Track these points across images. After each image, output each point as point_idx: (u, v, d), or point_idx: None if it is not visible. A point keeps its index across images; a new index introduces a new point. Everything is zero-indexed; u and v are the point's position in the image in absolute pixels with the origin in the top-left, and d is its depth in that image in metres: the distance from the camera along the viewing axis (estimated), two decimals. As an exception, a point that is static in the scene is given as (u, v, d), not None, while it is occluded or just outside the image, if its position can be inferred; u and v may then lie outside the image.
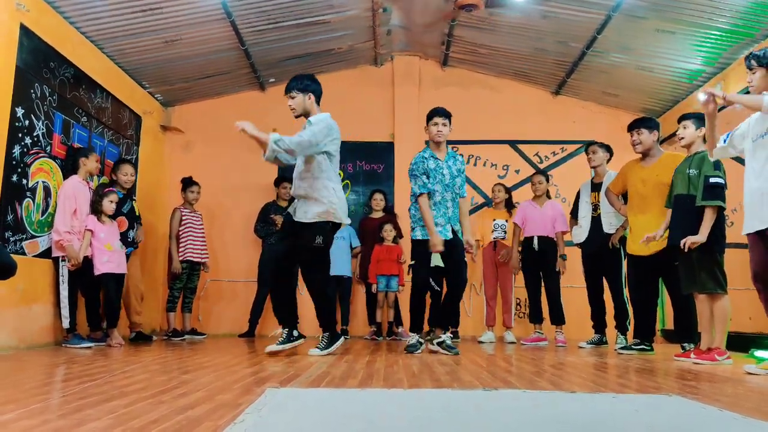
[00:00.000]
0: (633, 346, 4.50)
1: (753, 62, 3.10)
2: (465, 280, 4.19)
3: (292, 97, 3.87)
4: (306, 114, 3.92)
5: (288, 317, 3.89)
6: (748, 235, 3.17)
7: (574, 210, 5.30)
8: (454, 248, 4.13)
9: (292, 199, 6.29)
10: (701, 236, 3.62)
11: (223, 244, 6.58)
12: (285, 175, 6.54)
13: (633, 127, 4.58)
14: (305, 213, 3.78)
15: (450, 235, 4.13)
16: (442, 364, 3.32)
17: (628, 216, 4.58)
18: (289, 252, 3.89)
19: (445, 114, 4.21)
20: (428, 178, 4.12)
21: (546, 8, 5.20)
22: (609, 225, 4.88)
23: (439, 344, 4.05)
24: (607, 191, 4.86)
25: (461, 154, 4.43)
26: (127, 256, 5.11)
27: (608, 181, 4.93)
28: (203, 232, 5.95)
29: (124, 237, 5.07)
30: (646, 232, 4.26)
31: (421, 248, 4.13)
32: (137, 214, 5.35)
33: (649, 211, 4.35)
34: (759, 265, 3.11)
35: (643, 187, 4.41)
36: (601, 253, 4.92)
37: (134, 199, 5.39)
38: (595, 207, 5.03)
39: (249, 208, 6.39)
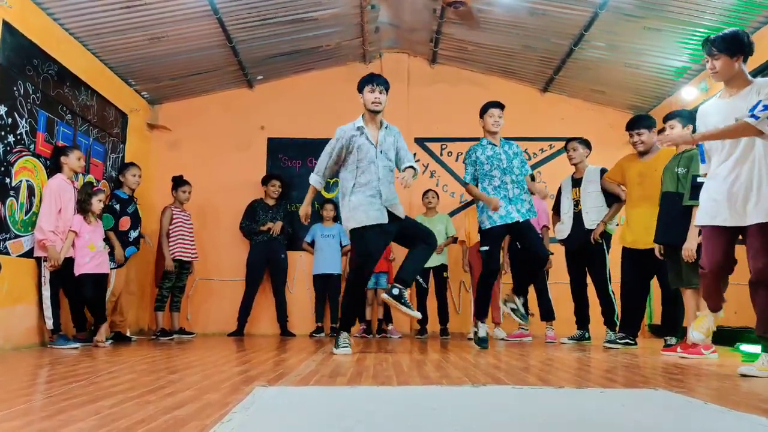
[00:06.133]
0: (618, 340, 4.53)
1: (714, 49, 2.90)
2: (545, 254, 4.50)
3: (381, 93, 3.95)
4: (378, 112, 3.99)
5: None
6: (705, 227, 3.03)
7: (556, 206, 5.33)
8: (525, 230, 4.34)
9: (279, 198, 6.32)
10: (691, 242, 3.61)
11: (211, 243, 6.53)
12: (273, 173, 6.54)
13: (632, 127, 4.54)
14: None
15: (516, 217, 4.30)
16: (431, 361, 3.32)
17: (626, 209, 4.60)
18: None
19: (502, 106, 4.52)
20: (476, 168, 4.45)
21: (533, 5, 5.21)
22: (590, 221, 4.88)
23: (513, 311, 4.38)
24: (603, 180, 4.87)
25: (515, 143, 4.70)
26: (126, 258, 5.09)
27: (589, 176, 4.96)
28: (192, 232, 5.92)
29: (125, 237, 5.09)
30: (643, 225, 4.30)
31: (488, 237, 4.36)
32: (140, 216, 5.34)
33: (646, 204, 4.36)
34: (716, 256, 2.98)
35: (641, 181, 4.43)
36: (583, 249, 4.92)
37: (138, 202, 5.35)
38: (576, 203, 5.04)
39: (237, 206, 6.36)
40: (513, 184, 4.38)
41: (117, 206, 5.11)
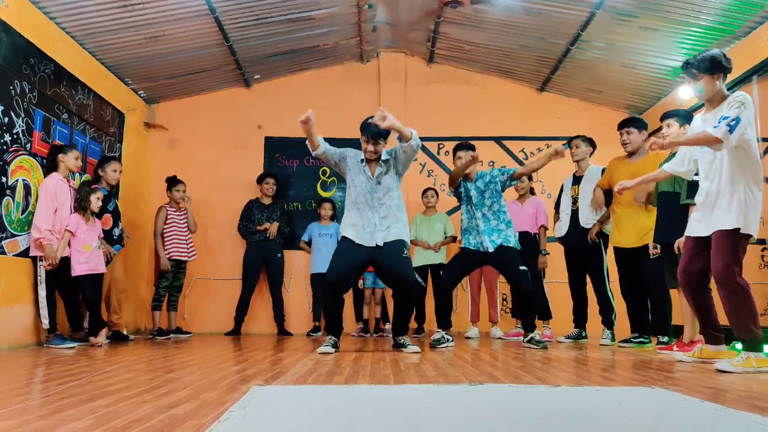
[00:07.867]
0: (632, 339, 4.55)
1: (694, 71, 3.08)
2: (526, 287, 4.32)
3: (375, 145, 4.06)
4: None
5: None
6: (687, 237, 3.21)
7: (557, 204, 5.34)
8: (503, 260, 4.37)
9: (275, 197, 6.32)
10: None
11: (207, 242, 6.53)
12: (269, 171, 6.54)
13: (623, 126, 4.66)
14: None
15: (488, 247, 4.36)
16: (428, 360, 3.33)
17: (614, 209, 4.62)
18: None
19: (469, 147, 4.52)
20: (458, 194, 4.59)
21: (530, 5, 5.21)
22: (586, 220, 4.89)
23: (528, 341, 4.31)
24: (596, 189, 4.88)
25: (492, 169, 4.70)
26: (112, 255, 5.04)
27: (590, 174, 4.97)
28: (188, 231, 5.90)
29: (109, 235, 5.02)
30: (631, 224, 4.40)
31: (458, 256, 4.54)
32: (120, 212, 5.28)
33: (634, 204, 4.43)
34: (683, 259, 3.21)
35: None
36: (580, 248, 4.92)
37: (116, 198, 5.30)
38: (575, 200, 5.05)
39: (233, 205, 6.36)
40: (485, 217, 4.42)
41: None
